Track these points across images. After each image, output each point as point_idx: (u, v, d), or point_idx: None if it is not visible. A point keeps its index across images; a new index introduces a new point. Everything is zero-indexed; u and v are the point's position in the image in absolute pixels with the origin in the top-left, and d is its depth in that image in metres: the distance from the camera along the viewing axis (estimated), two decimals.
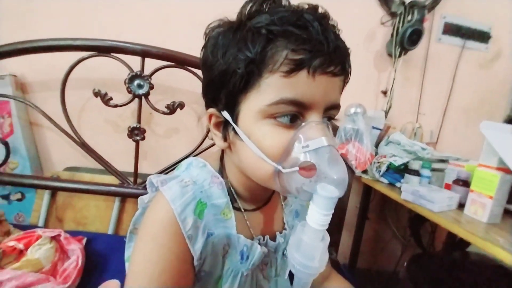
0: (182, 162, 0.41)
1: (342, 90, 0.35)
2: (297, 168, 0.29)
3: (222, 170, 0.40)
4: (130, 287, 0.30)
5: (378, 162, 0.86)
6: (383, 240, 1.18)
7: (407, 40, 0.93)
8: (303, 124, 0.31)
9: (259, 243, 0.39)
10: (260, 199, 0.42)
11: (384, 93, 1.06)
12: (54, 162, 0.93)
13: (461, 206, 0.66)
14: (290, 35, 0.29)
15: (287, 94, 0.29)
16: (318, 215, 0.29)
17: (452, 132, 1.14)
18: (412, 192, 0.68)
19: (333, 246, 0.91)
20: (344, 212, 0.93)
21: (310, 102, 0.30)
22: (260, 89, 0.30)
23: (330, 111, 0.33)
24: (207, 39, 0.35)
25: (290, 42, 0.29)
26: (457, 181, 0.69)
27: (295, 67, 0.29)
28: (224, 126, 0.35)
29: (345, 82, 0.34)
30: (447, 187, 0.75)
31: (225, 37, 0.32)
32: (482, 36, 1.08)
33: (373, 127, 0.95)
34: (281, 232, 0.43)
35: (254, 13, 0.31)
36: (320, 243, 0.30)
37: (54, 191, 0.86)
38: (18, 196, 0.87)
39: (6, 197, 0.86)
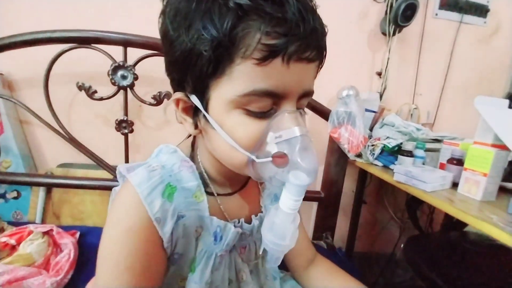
0: (154, 150, 0.40)
1: (316, 75, 0.33)
2: (270, 159, 0.29)
3: (193, 156, 0.39)
4: (99, 271, 0.30)
5: (372, 145, 0.84)
6: (380, 224, 1.17)
7: (400, 16, 0.89)
8: (276, 113, 0.30)
9: (234, 226, 0.38)
10: (235, 184, 0.41)
11: (379, 74, 1.02)
12: (47, 159, 0.93)
13: (455, 185, 0.64)
14: (263, 13, 0.26)
15: (261, 85, 0.28)
16: (290, 201, 0.31)
17: (450, 111, 1.10)
18: (405, 173, 0.66)
19: (329, 230, 0.91)
20: (339, 196, 0.92)
21: (284, 92, 0.29)
22: (231, 76, 0.28)
23: (304, 98, 0.32)
24: (165, 2, 0.30)
25: (264, 23, 0.26)
26: (451, 160, 0.68)
27: (269, 54, 0.26)
28: (194, 111, 0.33)
29: (319, 67, 0.33)
30: (442, 166, 0.73)
31: (188, 3, 0.27)
32: (480, 10, 1.03)
33: (367, 110, 0.92)
34: (256, 215, 0.42)
35: None
36: (291, 224, 0.32)
37: (48, 188, 0.87)
38: (14, 194, 0.88)
39: (2, 195, 0.87)
